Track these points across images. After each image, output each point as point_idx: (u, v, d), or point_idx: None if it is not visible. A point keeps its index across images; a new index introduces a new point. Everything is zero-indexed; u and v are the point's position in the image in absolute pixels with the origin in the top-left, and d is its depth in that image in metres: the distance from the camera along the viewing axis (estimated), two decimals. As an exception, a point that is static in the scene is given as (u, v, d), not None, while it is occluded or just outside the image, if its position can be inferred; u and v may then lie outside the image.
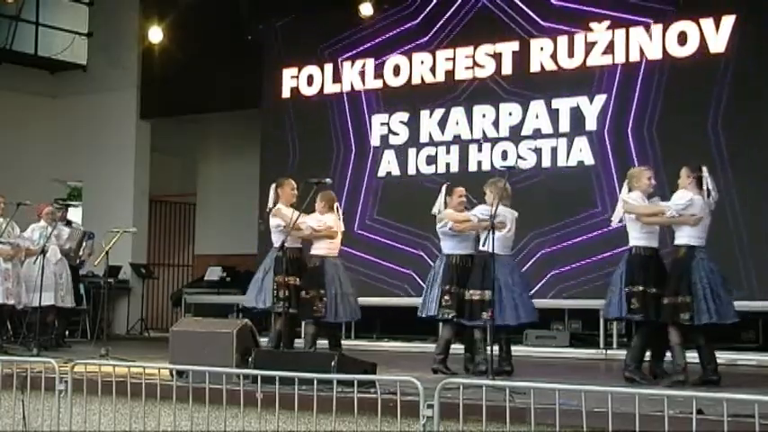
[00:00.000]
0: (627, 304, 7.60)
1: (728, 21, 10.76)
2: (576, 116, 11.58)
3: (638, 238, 7.73)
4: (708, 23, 10.88)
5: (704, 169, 7.54)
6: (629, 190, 7.84)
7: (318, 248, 8.95)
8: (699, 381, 7.37)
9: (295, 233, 8.76)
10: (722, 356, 9.77)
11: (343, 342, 9.70)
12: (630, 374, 7.58)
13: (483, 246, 8.14)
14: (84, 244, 11.80)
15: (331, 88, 13.29)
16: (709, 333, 7.51)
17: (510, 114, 11.99)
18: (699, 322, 7.33)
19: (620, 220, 7.91)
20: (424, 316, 8.63)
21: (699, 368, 7.55)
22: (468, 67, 12.31)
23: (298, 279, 8.92)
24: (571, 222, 11.40)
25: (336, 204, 9.07)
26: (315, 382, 5.74)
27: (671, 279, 7.53)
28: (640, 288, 7.54)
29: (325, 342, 9.16)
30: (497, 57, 12.10)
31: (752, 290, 10.20)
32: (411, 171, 12.57)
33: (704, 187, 7.48)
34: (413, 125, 12.64)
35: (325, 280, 8.82)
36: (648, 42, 11.23)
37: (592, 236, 11.21)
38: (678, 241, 7.55)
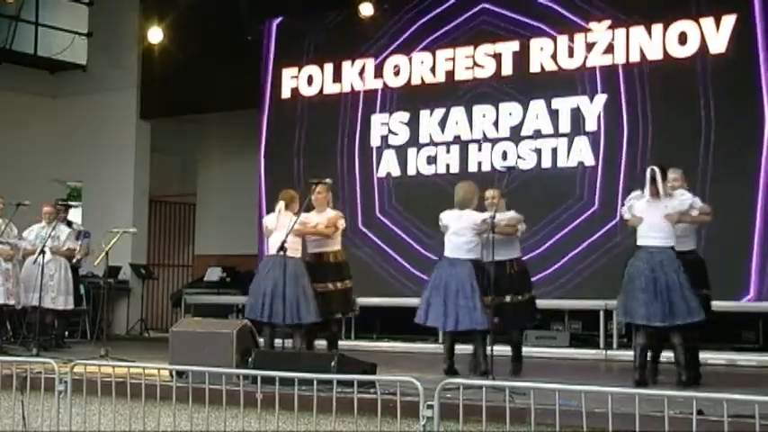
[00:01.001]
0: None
1: (728, 21, 10.75)
2: (576, 116, 11.57)
3: None
4: (708, 23, 10.88)
5: (648, 171, 7.46)
6: None
7: None
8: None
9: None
10: (722, 356, 9.89)
11: (342, 342, 9.63)
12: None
13: None
14: (79, 243, 11.76)
15: (331, 88, 13.29)
16: (686, 333, 7.47)
17: (510, 114, 11.99)
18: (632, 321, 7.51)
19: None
20: None
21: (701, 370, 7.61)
22: (468, 68, 12.31)
23: None
24: (570, 220, 11.41)
25: (282, 203, 8.82)
26: (315, 382, 5.74)
27: None
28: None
29: (359, 343, 8.96)
30: (497, 57, 12.10)
31: (749, 290, 10.20)
32: (411, 171, 12.57)
33: (647, 188, 7.44)
34: (413, 125, 12.63)
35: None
36: (648, 42, 11.23)
37: (591, 235, 11.24)
38: None
